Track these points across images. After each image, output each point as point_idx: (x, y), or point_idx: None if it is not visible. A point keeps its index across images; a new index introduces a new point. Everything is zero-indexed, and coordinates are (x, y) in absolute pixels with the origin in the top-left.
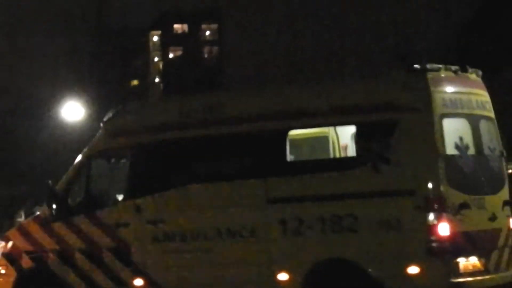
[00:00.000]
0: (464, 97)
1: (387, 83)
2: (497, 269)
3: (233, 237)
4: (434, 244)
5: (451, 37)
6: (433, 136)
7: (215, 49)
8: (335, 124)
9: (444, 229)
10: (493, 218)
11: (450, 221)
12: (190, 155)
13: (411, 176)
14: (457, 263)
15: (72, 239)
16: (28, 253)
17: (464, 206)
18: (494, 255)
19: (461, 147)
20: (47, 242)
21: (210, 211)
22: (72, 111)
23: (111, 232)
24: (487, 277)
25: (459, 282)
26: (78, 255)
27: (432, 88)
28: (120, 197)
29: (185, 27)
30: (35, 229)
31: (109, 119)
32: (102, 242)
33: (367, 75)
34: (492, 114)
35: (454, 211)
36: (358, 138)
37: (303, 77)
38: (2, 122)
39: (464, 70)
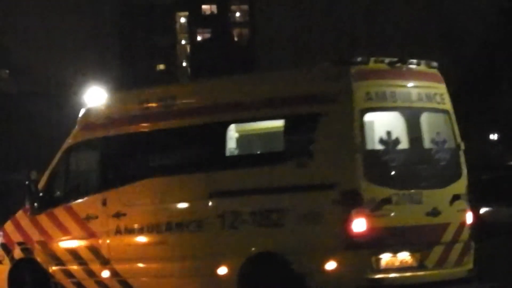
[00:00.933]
0: (400, 90)
1: (312, 75)
2: (440, 265)
3: (181, 230)
4: (350, 239)
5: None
6: (352, 130)
7: (246, 31)
8: (265, 118)
9: (360, 224)
10: (434, 213)
11: (368, 216)
12: (146, 149)
13: (330, 171)
14: (379, 259)
15: (53, 231)
16: (19, 244)
17: (387, 201)
18: (436, 251)
19: (387, 141)
20: (32, 233)
21: (163, 204)
22: (95, 96)
23: (83, 224)
24: (421, 273)
25: (377, 278)
26: (57, 246)
27: (354, 81)
28: (90, 190)
29: (214, 8)
30: (24, 221)
31: (83, 113)
32: (76, 234)
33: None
34: (445, 106)
35: (374, 206)
36: (286, 131)
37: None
38: (23, 104)
39: (404, 62)
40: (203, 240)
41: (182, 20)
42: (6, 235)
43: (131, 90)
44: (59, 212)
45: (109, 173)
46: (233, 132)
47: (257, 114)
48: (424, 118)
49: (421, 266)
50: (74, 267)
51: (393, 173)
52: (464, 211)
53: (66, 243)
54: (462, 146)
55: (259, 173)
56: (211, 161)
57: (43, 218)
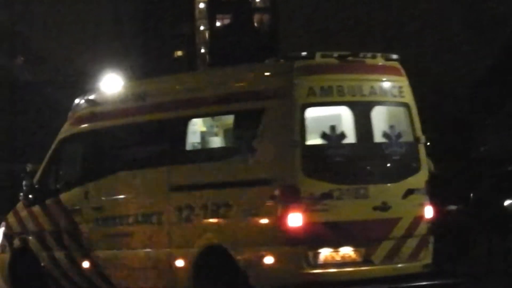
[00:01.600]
0: (349, 83)
1: (258, 71)
2: (389, 260)
3: (146, 223)
4: (286, 234)
5: None
6: (292, 125)
7: (267, 17)
8: (217, 114)
9: (296, 219)
10: (383, 207)
11: (305, 211)
12: (119, 144)
13: (269, 166)
14: (317, 254)
15: (45, 222)
16: (17, 234)
17: (327, 196)
18: (385, 246)
19: (331, 136)
20: (28, 224)
21: (132, 197)
22: (112, 83)
23: (69, 216)
24: (366, 268)
25: (314, 273)
26: (48, 237)
27: (296, 77)
28: (75, 183)
29: None
30: (23, 212)
31: (73, 107)
32: (63, 225)
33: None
34: (404, 99)
35: (312, 201)
36: (234, 127)
37: (367, 48)
38: (40, 92)
39: (356, 55)
40: (164, 232)
41: (201, 5)
42: (7, 225)
43: (114, 85)
44: (50, 204)
45: (90, 167)
46: (191, 128)
47: (210, 110)
48: (377, 111)
49: (367, 261)
50: (61, 259)
51: (335, 168)
52: (420, 205)
53: (56, 235)
54: (422, 140)
55: (210, 168)
56: (170, 156)
57: (37, 210)
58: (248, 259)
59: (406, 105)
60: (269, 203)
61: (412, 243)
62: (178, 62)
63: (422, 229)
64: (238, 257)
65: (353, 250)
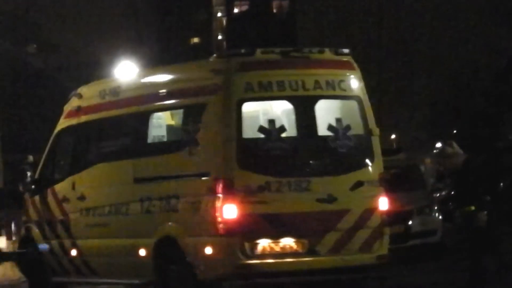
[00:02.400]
0: (291, 78)
1: (201, 68)
2: (337, 251)
3: (117, 213)
4: (223, 226)
5: None
6: (228, 119)
7: (285, 3)
8: (170, 108)
9: (231, 211)
10: (328, 199)
11: (240, 203)
12: (98, 136)
13: (207, 159)
14: (254, 245)
15: (43, 211)
16: (24, 222)
17: (264, 188)
18: (331, 237)
19: (270, 130)
20: (31, 213)
21: (106, 188)
22: (126, 70)
23: (60, 206)
24: (309, 259)
25: (250, 264)
26: (45, 226)
27: (233, 73)
28: (66, 174)
29: None
30: (27, 202)
31: (67, 100)
32: (56, 215)
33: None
34: (354, 93)
35: (248, 193)
36: (182, 122)
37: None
38: (53, 79)
39: (299, 51)
40: (130, 222)
41: None
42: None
43: (99, 80)
44: (48, 194)
45: (76, 159)
46: (151, 122)
47: (164, 105)
48: (323, 105)
49: (311, 252)
50: (55, 247)
51: (273, 161)
52: (372, 197)
53: (51, 225)
54: (375, 133)
55: (163, 161)
56: (134, 149)
57: (37, 200)
58: (193, 250)
59: (357, 98)
60: (208, 195)
61: (363, 234)
62: (195, 49)
63: (374, 220)
64: (185, 248)
65: (295, 241)
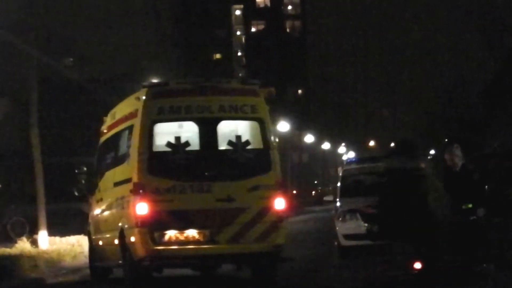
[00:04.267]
0: (198, 103)
1: (132, 97)
2: (236, 241)
3: (108, 210)
4: (138, 220)
5: None
6: (143, 136)
7: (298, 23)
8: (123, 129)
9: (143, 208)
10: (227, 199)
11: (150, 202)
12: (109, 148)
13: (131, 168)
14: (162, 234)
15: (91, 210)
16: (88, 218)
17: (170, 190)
18: (230, 229)
19: (176, 144)
20: (89, 212)
21: (107, 191)
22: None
23: (94, 207)
24: (210, 246)
25: (159, 249)
26: (91, 222)
27: (148, 100)
28: (97, 180)
29: (267, 0)
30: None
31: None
32: (94, 214)
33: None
34: (256, 115)
35: (157, 194)
36: (126, 139)
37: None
38: (86, 92)
39: (208, 81)
40: (112, 217)
41: (238, 12)
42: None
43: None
44: (94, 195)
45: (102, 166)
46: (121, 140)
47: (122, 126)
48: (225, 125)
49: (211, 241)
50: (93, 241)
51: (178, 168)
52: (268, 198)
53: (93, 220)
54: (273, 147)
55: (121, 169)
56: (114, 161)
57: (90, 199)
58: (128, 238)
59: (258, 120)
60: (130, 196)
61: (260, 227)
62: (217, 64)
63: (271, 216)
64: (126, 237)
65: (197, 232)
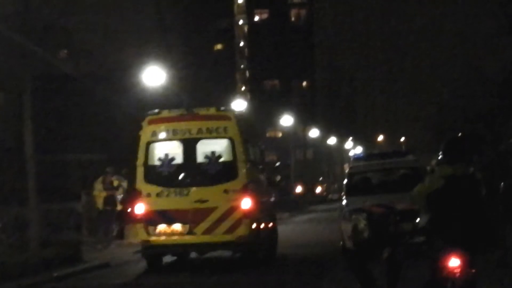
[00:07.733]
0: (182, 127)
1: (142, 123)
2: (208, 233)
3: None
4: (136, 217)
5: None
6: (141, 153)
7: (303, 12)
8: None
9: (139, 208)
10: (202, 201)
11: (144, 203)
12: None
13: (135, 177)
14: (154, 228)
15: None
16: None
17: (159, 194)
18: (204, 224)
19: (165, 159)
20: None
21: None
22: (153, 75)
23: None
24: (190, 237)
25: (153, 239)
26: None
27: (145, 125)
28: None
29: None
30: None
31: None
32: None
33: None
34: (227, 135)
35: (150, 197)
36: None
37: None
38: (83, 86)
39: (190, 111)
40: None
41: (240, 1)
42: None
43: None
44: None
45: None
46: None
47: (138, 143)
48: (203, 144)
49: (190, 233)
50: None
51: (165, 178)
52: (235, 200)
53: None
54: (240, 160)
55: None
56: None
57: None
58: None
59: (230, 139)
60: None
61: (228, 223)
62: (218, 55)
63: (237, 214)
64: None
65: (181, 226)
